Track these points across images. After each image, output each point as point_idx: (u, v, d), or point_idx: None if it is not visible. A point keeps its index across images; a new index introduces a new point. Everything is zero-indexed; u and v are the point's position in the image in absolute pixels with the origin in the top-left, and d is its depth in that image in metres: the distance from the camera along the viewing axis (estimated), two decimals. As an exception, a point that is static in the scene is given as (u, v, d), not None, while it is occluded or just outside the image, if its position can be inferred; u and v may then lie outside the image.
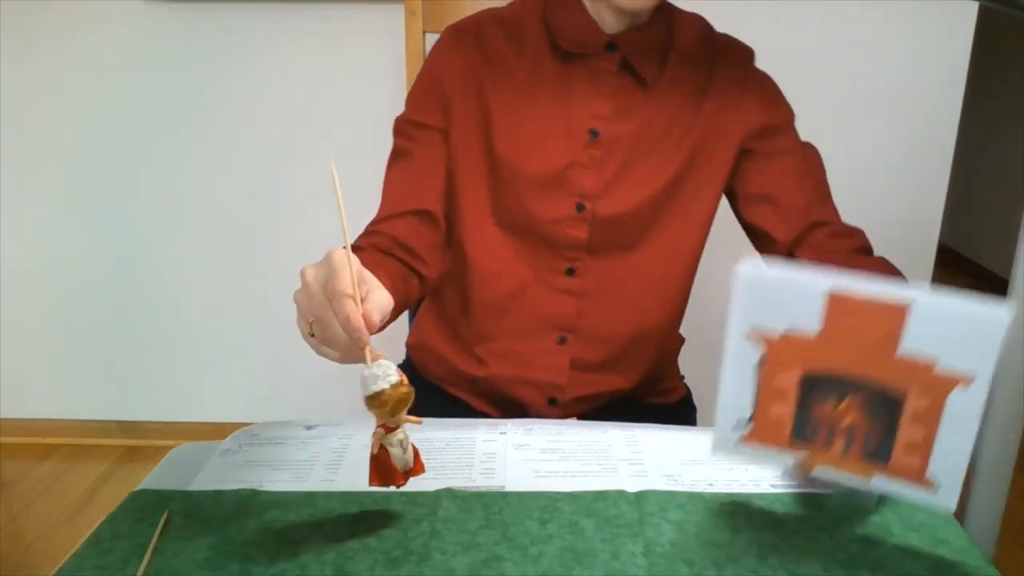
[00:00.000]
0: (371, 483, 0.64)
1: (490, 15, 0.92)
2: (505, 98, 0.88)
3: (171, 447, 0.82)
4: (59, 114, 1.92)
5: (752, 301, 0.60)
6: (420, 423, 0.65)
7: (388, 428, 0.63)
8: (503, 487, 0.72)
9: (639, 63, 0.87)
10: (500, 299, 0.94)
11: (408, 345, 1.10)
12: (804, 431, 0.62)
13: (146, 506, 0.69)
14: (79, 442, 2.16)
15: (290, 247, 1.99)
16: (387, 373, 0.60)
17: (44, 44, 1.87)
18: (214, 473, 0.75)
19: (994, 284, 3.14)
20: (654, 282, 0.94)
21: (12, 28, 1.85)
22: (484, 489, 0.72)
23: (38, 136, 1.94)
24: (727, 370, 0.63)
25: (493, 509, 0.68)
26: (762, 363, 0.62)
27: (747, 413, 0.63)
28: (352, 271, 0.59)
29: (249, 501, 0.70)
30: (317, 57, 1.84)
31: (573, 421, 0.93)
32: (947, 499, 0.59)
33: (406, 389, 0.60)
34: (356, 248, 0.85)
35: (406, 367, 1.09)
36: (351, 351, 0.62)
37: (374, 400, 0.60)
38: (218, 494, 0.71)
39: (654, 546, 0.63)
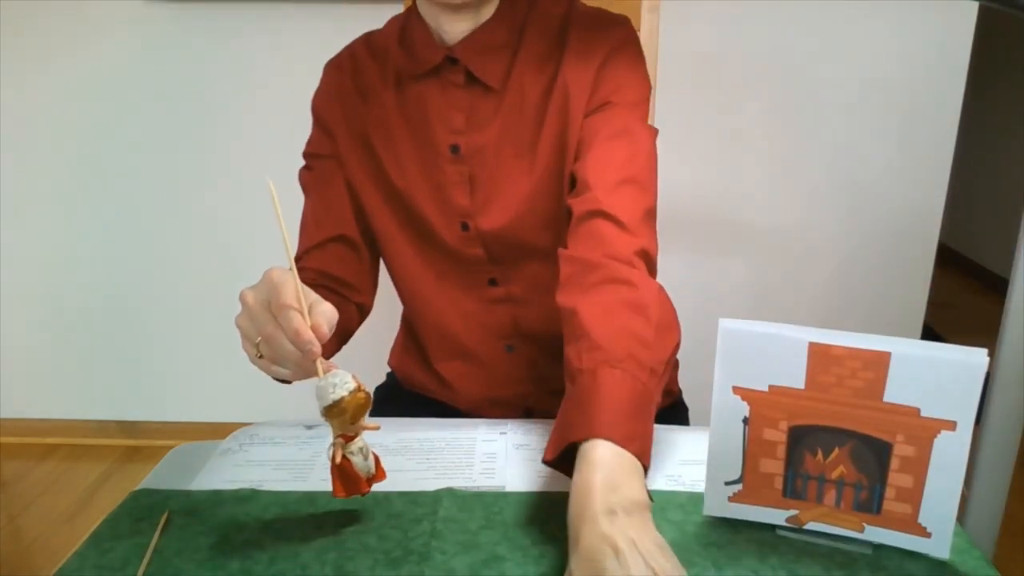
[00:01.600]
0: (335, 494, 0.63)
1: (364, 41, 0.92)
2: (380, 125, 0.88)
3: (171, 447, 0.82)
4: (59, 114, 1.92)
5: (735, 356, 0.61)
6: (378, 428, 0.64)
7: (347, 437, 0.62)
8: (503, 487, 0.72)
9: (480, 70, 0.83)
10: (437, 319, 0.94)
11: (390, 364, 1.10)
12: (794, 485, 0.63)
13: (146, 506, 0.69)
14: (79, 442, 2.16)
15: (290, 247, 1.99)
16: (343, 381, 0.59)
17: (44, 44, 1.87)
18: (214, 473, 0.75)
19: (994, 284, 3.14)
20: None
21: (12, 28, 1.85)
22: (484, 489, 0.72)
23: (38, 136, 1.94)
24: (714, 427, 0.64)
25: (493, 509, 0.68)
26: (749, 418, 0.62)
27: (737, 472, 0.64)
28: (296, 284, 0.59)
29: (249, 501, 0.70)
30: (317, 57, 1.83)
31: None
32: (940, 547, 0.61)
33: (364, 394, 0.60)
34: None
35: (391, 384, 1.09)
36: (303, 366, 0.61)
37: (332, 410, 0.59)
38: (218, 494, 0.71)
39: (654, 546, 0.63)
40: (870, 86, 1.81)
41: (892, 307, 1.97)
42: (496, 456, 0.78)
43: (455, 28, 0.83)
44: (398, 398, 1.06)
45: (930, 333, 2.50)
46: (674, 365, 1.08)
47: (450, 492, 0.71)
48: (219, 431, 0.84)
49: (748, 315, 0.61)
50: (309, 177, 0.92)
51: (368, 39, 0.92)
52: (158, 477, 0.76)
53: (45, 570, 1.65)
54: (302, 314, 0.58)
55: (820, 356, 0.59)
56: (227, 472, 0.75)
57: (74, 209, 2.00)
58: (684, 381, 1.11)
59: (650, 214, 0.81)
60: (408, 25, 0.87)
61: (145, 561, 0.62)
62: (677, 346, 0.75)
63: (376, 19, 1.83)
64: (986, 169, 3.29)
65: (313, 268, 0.87)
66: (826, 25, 1.78)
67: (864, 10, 1.75)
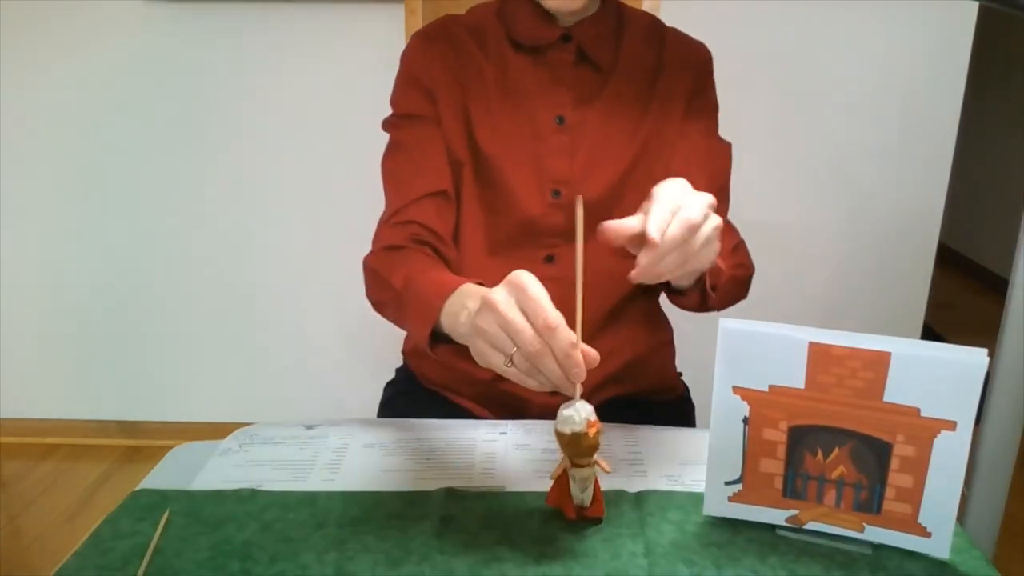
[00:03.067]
0: (547, 500, 0.66)
1: (452, 20, 0.95)
2: (479, 96, 0.92)
3: (171, 447, 0.82)
4: (59, 114, 1.92)
5: (735, 356, 0.61)
6: (609, 471, 0.64)
7: (574, 463, 0.62)
8: (503, 487, 0.72)
9: (594, 51, 0.91)
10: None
11: (405, 352, 1.09)
12: (794, 485, 0.63)
13: (146, 506, 0.69)
14: (79, 442, 2.16)
15: (291, 247, 1.99)
16: (574, 419, 0.59)
17: (44, 45, 1.87)
18: (214, 473, 0.75)
19: (994, 284, 3.14)
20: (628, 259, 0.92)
21: (12, 29, 1.85)
22: (484, 489, 0.72)
23: (38, 137, 1.94)
24: (714, 427, 0.64)
25: (493, 509, 0.68)
26: (749, 418, 0.63)
27: (737, 472, 0.64)
28: (581, 224, 0.60)
29: (249, 501, 0.70)
30: (317, 57, 1.84)
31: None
32: (940, 547, 0.61)
33: (591, 442, 0.59)
34: (397, 247, 0.87)
35: (405, 374, 1.09)
36: (561, 385, 0.60)
37: (560, 438, 0.61)
38: (218, 494, 0.71)
39: (654, 546, 0.63)
40: (870, 86, 1.81)
41: (892, 307, 1.97)
42: (496, 456, 0.78)
43: (568, 16, 0.90)
44: (409, 393, 1.05)
45: (930, 333, 2.50)
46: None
47: (450, 492, 0.71)
48: (219, 431, 0.84)
49: (748, 315, 0.61)
50: (405, 134, 0.93)
51: (457, 19, 0.96)
52: (158, 477, 0.76)
53: (45, 570, 1.65)
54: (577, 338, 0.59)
55: (820, 356, 0.59)
56: (227, 472, 0.75)
57: (74, 209, 2.00)
58: (685, 381, 1.11)
59: (724, 194, 0.96)
60: (512, 7, 0.93)
61: (145, 561, 0.62)
62: (743, 268, 0.90)
63: (376, 19, 1.84)
64: (986, 169, 3.29)
65: (415, 221, 0.89)
66: (826, 25, 1.78)
67: (864, 10, 1.75)
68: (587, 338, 0.93)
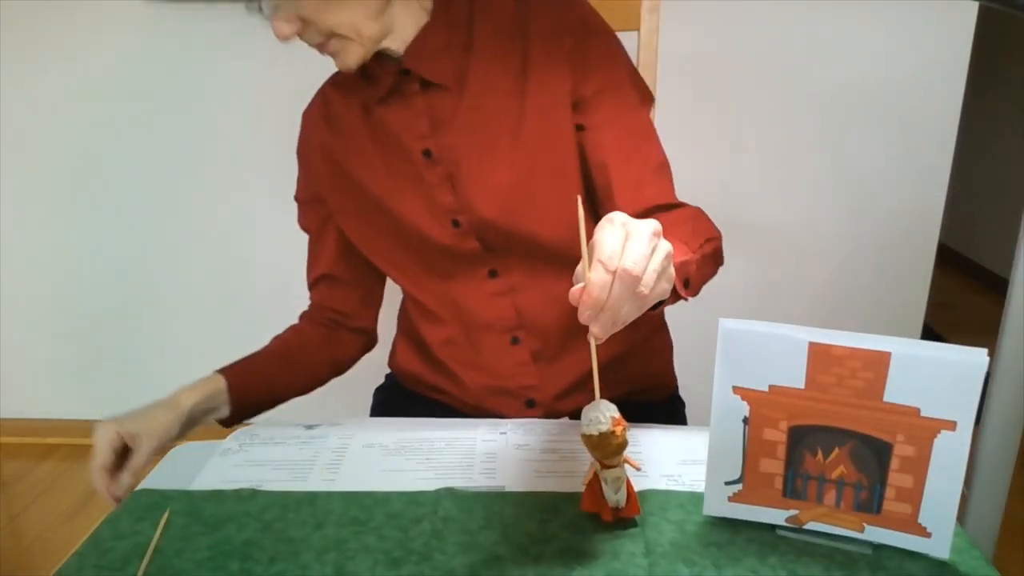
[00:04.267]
0: (582, 506, 0.66)
1: (331, 80, 0.97)
2: (356, 152, 0.92)
3: (171, 447, 0.82)
4: (59, 115, 1.92)
5: (735, 356, 0.61)
6: (639, 468, 0.65)
7: (604, 464, 0.62)
8: (503, 487, 0.72)
9: (431, 73, 0.86)
10: (441, 317, 0.96)
11: (389, 366, 1.11)
12: (794, 485, 0.63)
13: (146, 506, 0.69)
14: (79, 442, 2.16)
15: (290, 248, 1.99)
16: (599, 420, 0.59)
17: (44, 44, 1.87)
18: (214, 473, 0.75)
19: (994, 284, 3.14)
20: (559, 254, 0.90)
21: (12, 28, 1.85)
22: (484, 489, 0.72)
23: (38, 136, 1.94)
24: (714, 427, 0.64)
25: (493, 509, 0.68)
26: (749, 418, 0.62)
27: (737, 472, 0.64)
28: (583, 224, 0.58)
29: (249, 501, 0.70)
30: (317, 58, 1.83)
31: (573, 421, 0.93)
32: (940, 547, 0.61)
33: (619, 440, 0.59)
34: (301, 328, 1.04)
35: (394, 382, 1.09)
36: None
37: (587, 440, 0.60)
38: (218, 494, 0.71)
39: (654, 546, 0.63)
40: (870, 86, 1.81)
41: (892, 307, 1.97)
42: (496, 456, 0.78)
43: (346, 68, 0.85)
44: (399, 399, 1.06)
45: (930, 333, 2.50)
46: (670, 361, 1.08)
47: (450, 492, 0.71)
48: (219, 431, 0.84)
49: (748, 315, 0.61)
50: (302, 222, 1.03)
51: (335, 77, 0.98)
52: (158, 477, 0.76)
53: (45, 570, 1.65)
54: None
55: (820, 356, 0.59)
56: (227, 472, 0.75)
57: (74, 209, 2.00)
58: (684, 381, 1.11)
59: (664, 170, 0.89)
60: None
61: (145, 561, 0.62)
62: (711, 241, 0.81)
63: (376, 19, 1.83)
64: (986, 169, 3.29)
65: (314, 303, 1.04)
66: (826, 25, 1.78)
67: (864, 10, 1.75)
68: (565, 338, 0.93)
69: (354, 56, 0.83)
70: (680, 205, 0.88)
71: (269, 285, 2.03)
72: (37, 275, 2.06)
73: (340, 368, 1.05)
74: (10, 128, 1.94)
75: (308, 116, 0.99)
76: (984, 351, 0.55)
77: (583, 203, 0.59)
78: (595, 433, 0.59)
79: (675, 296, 0.71)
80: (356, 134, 0.92)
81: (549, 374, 0.94)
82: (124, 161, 1.95)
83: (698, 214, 0.86)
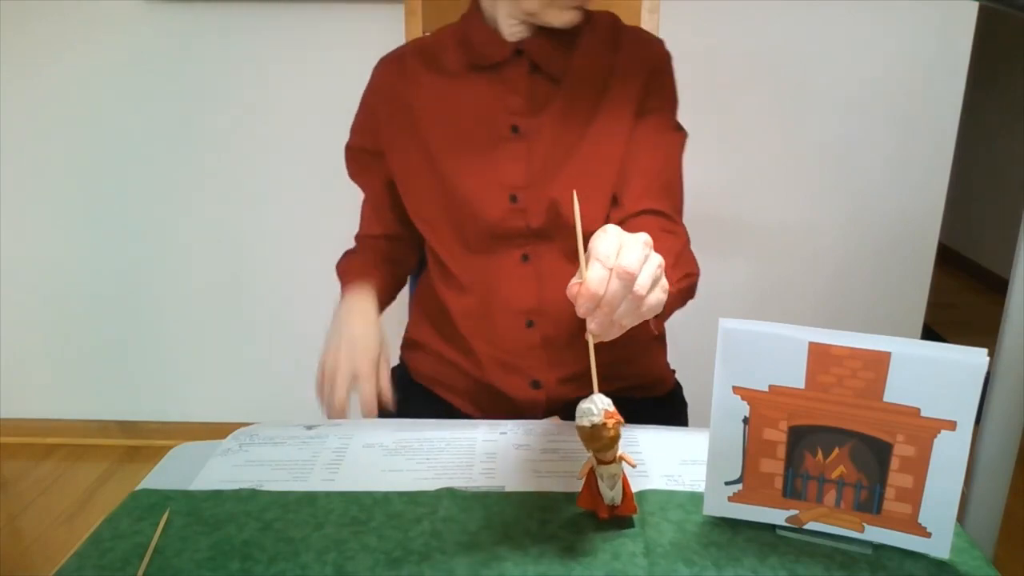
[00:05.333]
0: (578, 502, 0.66)
1: (412, 45, 1.03)
2: (430, 113, 0.97)
3: (171, 447, 0.82)
4: (59, 115, 1.92)
5: (735, 356, 0.61)
6: (635, 465, 0.65)
7: (600, 460, 0.62)
8: (503, 487, 0.72)
9: (545, 63, 0.95)
10: (468, 294, 0.99)
11: (402, 345, 1.12)
12: (794, 485, 0.63)
13: (146, 506, 0.69)
14: (79, 442, 2.16)
15: (290, 248, 2.00)
16: (592, 412, 0.59)
17: (45, 45, 1.87)
18: (214, 473, 0.75)
19: (994, 284, 3.14)
20: None
21: (12, 28, 1.85)
22: (484, 489, 0.72)
23: (38, 137, 1.94)
24: (714, 427, 0.64)
25: (493, 509, 0.68)
26: (749, 418, 0.63)
27: (737, 472, 0.64)
28: (578, 214, 0.62)
29: (249, 501, 0.70)
30: (317, 57, 1.84)
31: (573, 422, 0.93)
32: (940, 547, 0.61)
33: (611, 433, 0.59)
34: (354, 252, 1.08)
35: (400, 368, 1.10)
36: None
37: (580, 432, 0.61)
38: (218, 494, 0.71)
39: (654, 546, 0.63)
40: (870, 86, 1.81)
41: (892, 307, 1.97)
42: (496, 456, 0.78)
43: (527, 29, 0.94)
44: (404, 393, 1.06)
45: (930, 333, 2.50)
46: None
47: (450, 492, 0.71)
48: (219, 431, 0.84)
49: (748, 315, 0.61)
50: (357, 177, 1.08)
51: (419, 42, 1.03)
52: (158, 477, 0.76)
53: (45, 570, 1.65)
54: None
55: (820, 356, 0.59)
56: (227, 472, 0.75)
57: (74, 209, 2.00)
58: (684, 381, 1.11)
59: (674, 190, 0.99)
60: (467, 28, 0.98)
61: (145, 561, 0.62)
62: (689, 277, 0.88)
63: (376, 19, 1.84)
64: (986, 169, 3.29)
65: (371, 248, 1.09)
66: (826, 25, 1.78)
67: (864, 10, 1.75)
68: (577, 331, 0.95)
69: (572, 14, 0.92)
70: (675, 224, 0.95)
71: (269, 285, 2.03)
72: (37, 275, 2.06)
73: (396, 294, 1.12)
74: (10, 128, 1.94)
75: (386, 66, 1.02)
76: (984, 351, 0.55)
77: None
78: (587, 425, 0.59)
79: (644, 324, 0.72)
80: (435, 97, 0.97)
81: (556, 360, 0.96)
82: (124, 161, 1.95)
83: (684, 248, 0.92)
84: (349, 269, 1.04)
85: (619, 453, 0.62)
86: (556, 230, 0.95)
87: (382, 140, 1.01)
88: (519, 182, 0.94)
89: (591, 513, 0.67)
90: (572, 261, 0.95)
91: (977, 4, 1.69)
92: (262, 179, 1.95)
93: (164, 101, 1.90)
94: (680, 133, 1.00)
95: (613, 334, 0.62)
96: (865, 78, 1.80)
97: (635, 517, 0.67)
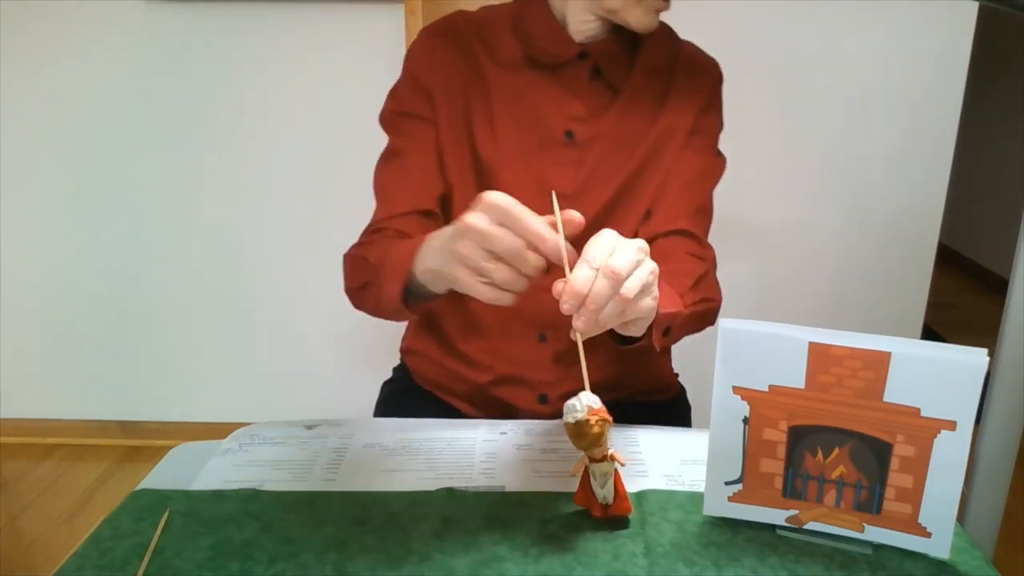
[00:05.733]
0: (575, 499, 0.66)
1: (463, 18, 0.94)
2: (482, 102, 0.92)
3: (171, 447, 0.82)
4: (60, 114, 1.92)
5: (735, 356, 0.61)
6: (624, 464, 0.65)
7: (592, 458, 0.63)
8: (503, 487, 0.72)
9: (608, 69, 0.91)
10: (473, 300, 0.93)
11: (402, 350, 1.10)
12: (794, 485, 0.63)
13: (146, 506, 0.69)
14: (79, 442, 2.16)
15: (290, 248, 1.99)
16: (578, 408, 0.60)
17: (45, 45, 1.87)
18: (214, 473, 0.75)
19: (994, 284, 3.14)
20: None
21: (13, 28, 1.85)
22: (484, 489, 0.72)
23: (39, 137, 1.94)
24: (714, 427, 0.64)
25: (493, 509, 0.68)
26: (749, 418, 0.63)
27: (737, 472, 0.64)
28: (560, 218, 0.61)
29: (249, 501, 0.70)
30: (317, 57, 1.84)
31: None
32: (940, 547, 0.61)
33: (595, 430, 0.60)
34: (361, 245, 0.90)
35: (402, 372, 1.09)
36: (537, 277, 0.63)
37: (567, 428, 0.61)
38: (218, 494, 0.71)
39: (654, 546, 0.63)
40: (870, 86, 1.81)
41: (892, 307, 1.97)
42: (496, 456, 0.78)
43: (596, 29, 0.89)
44: (405, 394, 1.06)
45: (930, 333, 2.50)
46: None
47: (450, 492, 0.71)
48: (219, 431, 0.84)
49: (748, 315, 0.61)
50: (400, 142, 0.94)
51: (471, 19, 0.95)
52: (158, 477, 0.76)
53: (45, 570, 1.65)
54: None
55: (820, 356, 0.59)
56: (227, 472, 0.75)
57: (74, 209, 2.00)
58: (684, 381, 1.11)
59: (704, 215, 0.96)
60: (527, 16, 0.91)
61: (145, 561, 0.62)
62: (707, 302, 0.87)
63: (376, 19, 1.84)
64: (986, 169, 3.29)
65: (396, 229, 0.90)
66: (826, 25, 1.78)
67: (864, 11, 1.75)
68: (589, 345, 0.93)
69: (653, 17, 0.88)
70: (704, 248, 0.93)
71: (269, 285, 2.03)
72: (37, 275, 2.05)
73: None
74: (10, 128, 1.94)
75: (437, 34, 0.93)
76: (984, 351, 0.55)
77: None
78: (571, 421, 0.60)
79: (648, 340, 0.72)
80: (490, 85, 0.92)
81: (565, 375, 0.95)
82: (124, 161, 1.95)
83: (707, 273, 0.90)
84: (402, 252, 0.77)
85: (610, 452, 0.62)
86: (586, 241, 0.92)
87: (437, 112, 0.92)
88: (567, 189, 0.90)
89: (590, 513, 0.67)
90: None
91: (977, 4, 1.69)
92: (262, 179, 1.95)
93: (164, 101, 1.90)
94: (720, 159, 0.99)
95: (598, 330, 0.62)
96: (865, 78, 1.80)
97: (635, 517, 0.67)
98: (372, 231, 0.92)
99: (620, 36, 0.92)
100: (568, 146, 0.91)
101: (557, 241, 0.60)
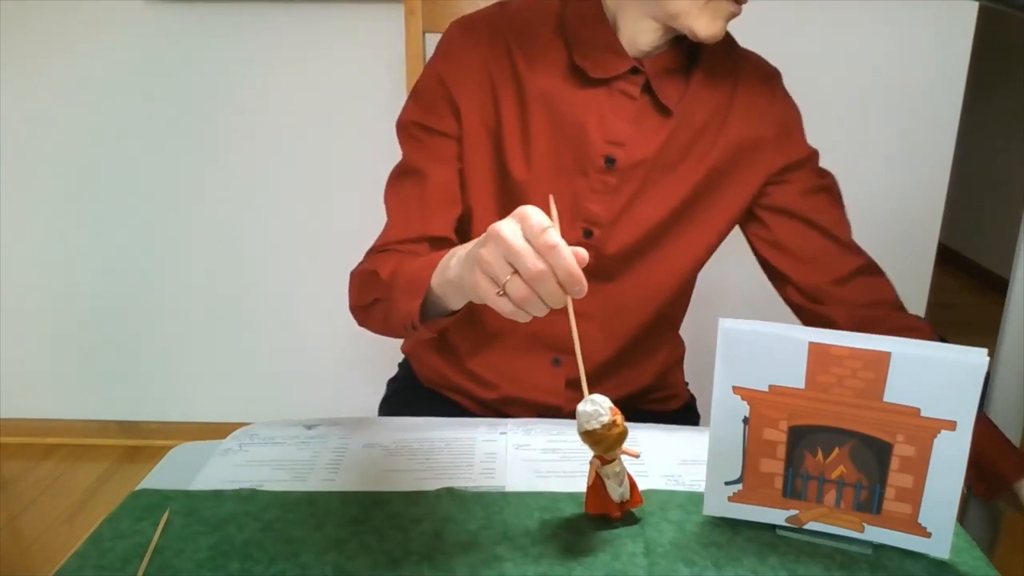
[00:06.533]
0: (586, 509, 0.65)
1: (501, 13, 0.85)
2: (515, 111, 0.83)
3: (171, 447, 0.82)
4: (59, 114, 1.92)
5: (735, 356, 0.61)
6: (638, 455, 0.64)
7: (604, 460, 0.62)
8: (503, 487, 0.72)
9: (662, 88, 0.82)
10: (495, 322, 0.89)
11: (404, 350, 1.09)
12: (794, 485, 0.63)
13: (146, 506, 0.69)
14: (79, 442, 2.16)
15: (290, 247, 1.99)
16: (599, 412, 0.59)
17: (44, 45, 1.86)
18: (214, 473, 0.75)
19: (994, 284, 3.14)
20: (653, 300, 0.92)
21: (12, 28, 1.85)
22: (484, 489, 0.72)
23: (38, 137, 1.94)
24: (714, 427, 0.64)
25: (493, 509, 0.68)
26: (749, 418, 0.63)
27: (737, 472, 0.64)
28: (557, 223, 0.57)
29: (249, 501, 0.70)
30: (317, 57, 1.83)
31: (573, 421, 0.93)
32: (940, 547, 0.61)
33: (620, 429, 0.60)
34: (370, 262, 0.84)
35: (404, 370, 1.08)
36: (557, 305, 0.59)
37: (588, 437, 0.60)
38: (218, 494, 0.71)
39: (654, 546, 0.63)
40: (870, 86, 1.80)
41: (892, 307, 1.96)
42: (496, 456, 0.78)
43: (657, 40, 0.80)
44: (411, 391, 1.04)
45: (930, 333, 2.49)
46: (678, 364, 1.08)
47: (450, 492, 0.71)
48: (219, 431, 0.84)
49: (748, 315, 0.61)
50: (419, 160, 0.85)
51: (508, 13, 0.84)
52: (158, 477, 0.76)
53: (45, 570, 1.65)
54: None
55: (820, 356, 0.59)
56: (227, 472, 0.75)
57: (74, 209, 1.99)
58: (694, 389, 1.11)
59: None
60: (576, 18, 0.82)
61: (145, 561, 0.62)
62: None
63: (376, 19, 1.84)
64: (986, 169, 3.29)
65: (402, 252, 0.83)
66: (826, 25, 1.78)
67: (864, 10, 1.75)
68: (603, 371, 0.92)
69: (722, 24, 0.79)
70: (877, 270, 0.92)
71: (269, 285, 2.03)
72: (37, 275, 2.05)
73: None
74: (10, 128, 1.94)
75: (470, 30, 0.83)
76: (984, 351, 0.55)
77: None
78: (597, 427, 0.59)
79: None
80: (527, 95, 0.82)
81: (575, 400, 0.93)
82: (124, 161, 1.95)
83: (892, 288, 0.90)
84: (419, 266, 0.73)
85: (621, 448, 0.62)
86: (616, 271, 0.87)
87: (463, 126, 0.84)
88: (598, 218, 0.84)
89: (591, 512, 0.67)
90: (617, 305, 0.89)
91: (977, 4, 1.68)
92: (262, 179, 1.95)
93: (164, 101, 1.90)
94: (829, 178, 0.92)
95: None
96: (865, 78, 1.80)
97: (635, 517, 0.66)
98: (378, 251, 0.85)
99: (678, 49, 0.83)
100: (607, 173, 0.83)
101: (568, 255, 0.56)
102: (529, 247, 0.56)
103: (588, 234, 0.86)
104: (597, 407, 0.59)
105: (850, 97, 1.82)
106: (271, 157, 1.93)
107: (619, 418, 0.60)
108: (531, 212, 0.57)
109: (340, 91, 1.85)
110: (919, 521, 0.60)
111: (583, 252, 0.58)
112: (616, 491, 0.64)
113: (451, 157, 0.85)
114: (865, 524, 0.62)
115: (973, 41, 1.77)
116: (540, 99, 0.83)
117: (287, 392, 2.10)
